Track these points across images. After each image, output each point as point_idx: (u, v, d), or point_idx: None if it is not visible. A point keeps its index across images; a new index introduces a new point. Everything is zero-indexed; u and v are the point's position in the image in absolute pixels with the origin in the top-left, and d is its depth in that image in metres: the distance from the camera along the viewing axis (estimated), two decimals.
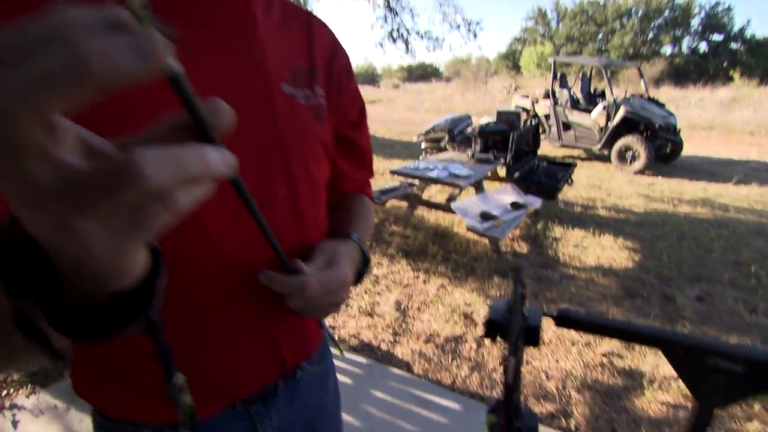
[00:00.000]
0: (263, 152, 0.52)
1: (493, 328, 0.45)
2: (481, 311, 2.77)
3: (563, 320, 0.46)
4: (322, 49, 0.62)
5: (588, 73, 8.79)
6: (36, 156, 0.17)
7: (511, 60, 33.68)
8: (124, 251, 0.22)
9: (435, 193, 5.19)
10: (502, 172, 4.73)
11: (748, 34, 29.38)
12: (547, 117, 8.00)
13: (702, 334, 2.63)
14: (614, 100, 7.18)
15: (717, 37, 29.51)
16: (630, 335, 0.42)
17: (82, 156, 0.20)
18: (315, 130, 0.58)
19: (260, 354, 0.57)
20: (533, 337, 0.45)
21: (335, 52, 0.65)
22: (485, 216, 3.44)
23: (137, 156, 0.19)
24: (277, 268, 0.51)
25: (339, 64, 0.65)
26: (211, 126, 0.23)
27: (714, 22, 29.15)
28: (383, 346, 2.43)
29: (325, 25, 0.66)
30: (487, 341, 2.41)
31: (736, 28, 29.16)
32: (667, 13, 28.99)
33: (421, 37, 8.26)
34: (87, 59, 0.16)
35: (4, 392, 1.91)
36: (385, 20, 5.95)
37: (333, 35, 0.66)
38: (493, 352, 2.38)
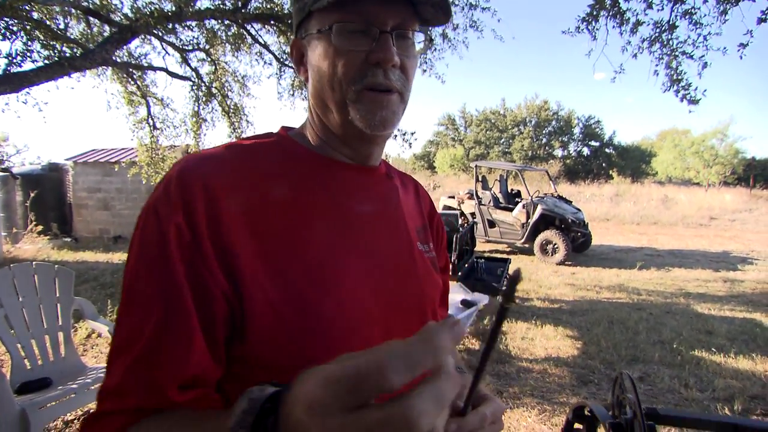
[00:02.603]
0: (408, 300, 0.63)
1: None
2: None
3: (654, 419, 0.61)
4: (426, 208, 0.78)
5: (504, 176, 9.96)
6: None
7: (426, 161, 36.72)
8: None
9: None
10: None
11: (616, 141, 35.67)
12: (472, 215, 8.77)
13: None
14: (531, 200, 8.14)
15: (595, 143, 35.30)
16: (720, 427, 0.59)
17: None
18: (436, 280, 0.71)
19: None
20: None
21: (433, 211, 0.80)
22: None
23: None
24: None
25: (437, 220, 0.80)
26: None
27: (590, 131, 35.05)
28: None
29: (422, 186, 0.82)
30: None
31: (606, 137, 35.26)
32: (554, 123, 34.46)
33: None
34: None
35: None
36: None
37: (429, 196, 0.82)
38: None
